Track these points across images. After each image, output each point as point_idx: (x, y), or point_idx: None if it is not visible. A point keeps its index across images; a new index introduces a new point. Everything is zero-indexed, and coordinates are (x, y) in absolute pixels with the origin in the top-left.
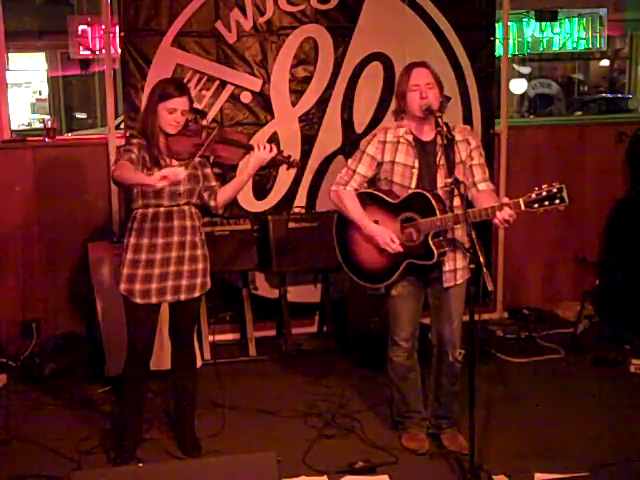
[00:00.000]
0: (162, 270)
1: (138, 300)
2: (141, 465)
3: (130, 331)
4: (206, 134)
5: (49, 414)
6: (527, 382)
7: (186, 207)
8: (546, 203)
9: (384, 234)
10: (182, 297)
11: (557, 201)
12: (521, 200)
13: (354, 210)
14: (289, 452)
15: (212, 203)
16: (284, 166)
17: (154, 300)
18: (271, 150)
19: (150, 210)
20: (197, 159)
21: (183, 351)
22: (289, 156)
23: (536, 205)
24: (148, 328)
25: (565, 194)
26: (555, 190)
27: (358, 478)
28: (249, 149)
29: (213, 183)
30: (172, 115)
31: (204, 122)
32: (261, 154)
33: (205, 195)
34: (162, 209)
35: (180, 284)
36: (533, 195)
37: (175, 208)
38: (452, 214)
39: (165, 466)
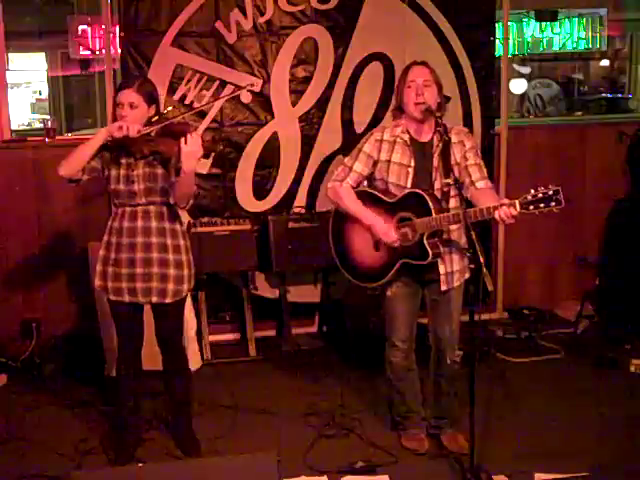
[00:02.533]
0: (129, 270)
1: (112, 297)
2: (141, 465)
3: (116, 329)
4: (155, 129)
5: (49, 414)
6: (527, 382)
7: (151, 207)
8: (541, 205)
9: (380, 228)
10: (153, 300)
11: (553, 203)
12: (517, 201)
13: (352, 204)
14: (289, 452)
15: (171, 199)
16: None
17: (127, 299)
18: (198, 142)
19: (119, 209)
20: (153, 156)
21: (170, 356)
22: (218, 146)
23: (531, 207)
24: (130, 326)
25: (561, 196)
26: (551, 192)
27: (358, 478)
28: (179, 139)
29: (174, 179)
30: (118, 109)
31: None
32: (188, 147)
33: (169, 191)
34: (128, 209)
35: (150, 286)
36: (529, 197)
37: (139, 208)
38: (448, 214)
39: (165, 466)
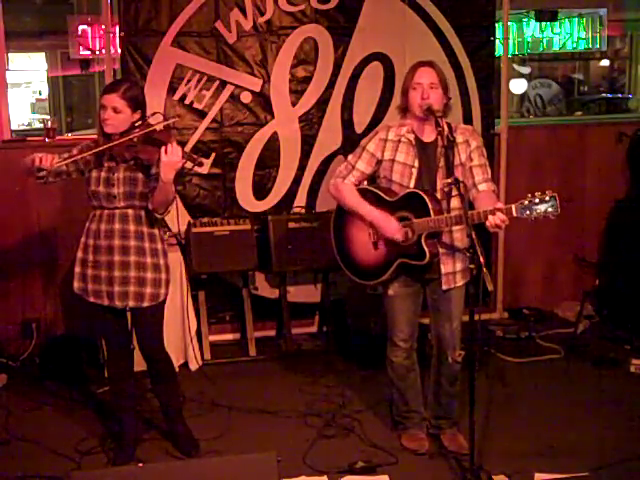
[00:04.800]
0: (108, 273)
1: (91, 299)
2: (141, 465)
3: (100, 332)
4: (137, 135)
5: (49, 414)
6: (527, 382)
7: (130, 210)
8: (538, 211)
9: (383, 220)
10: (130, 304)
11: (549, 209)
12: (513, 206)
13: (353, 200)
14: (289, 452)
15: (149, 206)
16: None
17: (106, 302)
18: (178, 153)
19: (97, 211)
20: (133, 161)
21: (153, 363)
22: (196, 157)
23: (528, 212)
24: (113, 329)
25: (557, 203)
26: (548, 198)
27: (358, 478)
28: (160, 147)
29: (154, 185)
30: (102, 112)
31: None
32: (167, 158)
33: (149, 196)
34: (106, 211)
35: (127, 290)
36: (525, 202)
37: (117, 211)
38: (445, 216)
39: (165, 466)
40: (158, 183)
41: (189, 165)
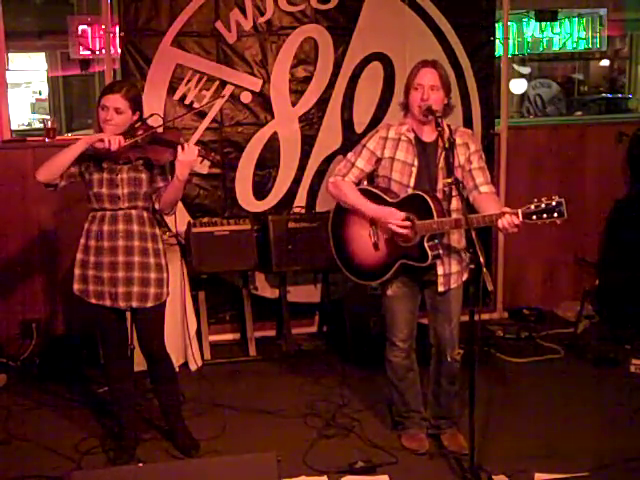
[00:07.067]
0: (111, 274)
1: (93, 300)
2: (141, 465)
3: (99, 334)
4: (141, 136)
5: (49, 414)
6: (527, 382)
7: (133, 211)
8: (544, 216)
9: (386, 210)
10: (134, 304)
11: (555, 214)
12: (519, 211)
13: (353, 197)
14: (289, 452)
15: (157, 205)
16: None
17: (108, 303)
18: (195, 151)
19: (98, 213)
20: (138, 161)
21: (154, 363)
22: (212, 155)
23: (534, 217)
24: (113, 330)
25: (564, 208)
26: (554, 204)
27: (358, 478)
28: (175, 148)
29: (160, 185)
30: (103, 112)
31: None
32: (185, 156)
33: (153, 197)
34: (108, 212)
35: (131, 291)
36: (532, 207)
37: (120, 212)
38: (451, 218)
39: (165, 466)
40: (164, 183)
41: (199, 164)
